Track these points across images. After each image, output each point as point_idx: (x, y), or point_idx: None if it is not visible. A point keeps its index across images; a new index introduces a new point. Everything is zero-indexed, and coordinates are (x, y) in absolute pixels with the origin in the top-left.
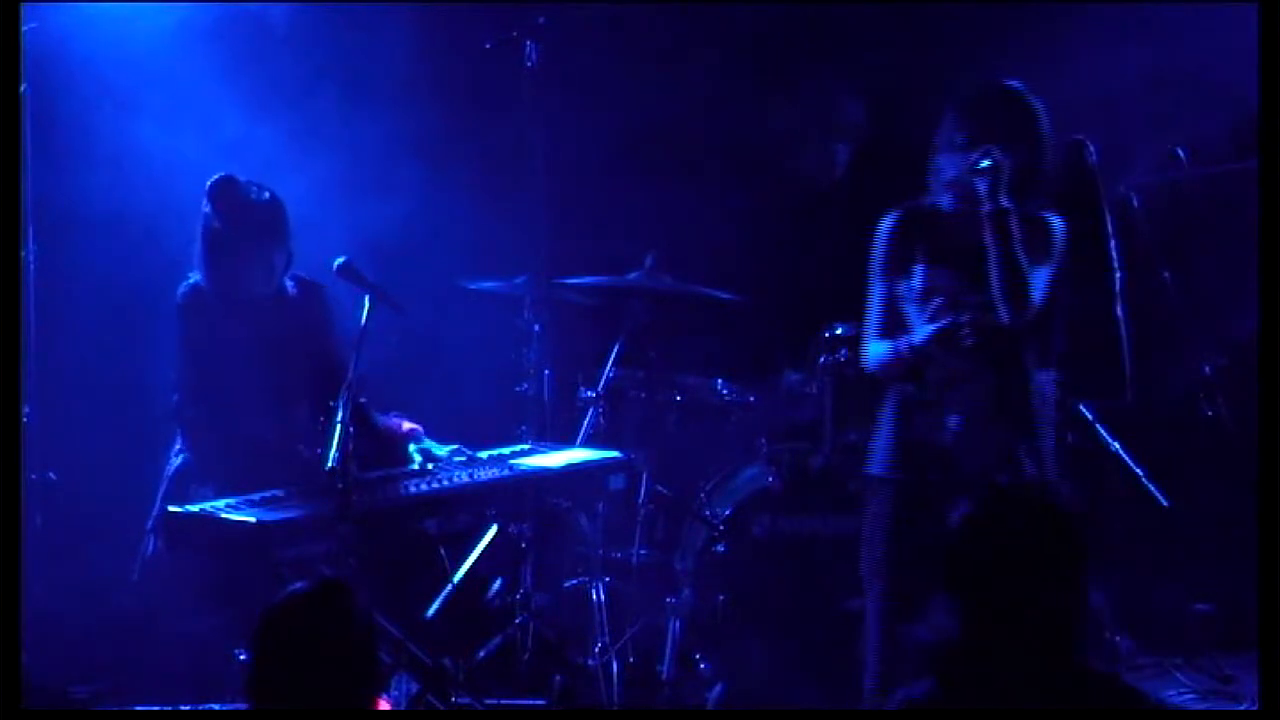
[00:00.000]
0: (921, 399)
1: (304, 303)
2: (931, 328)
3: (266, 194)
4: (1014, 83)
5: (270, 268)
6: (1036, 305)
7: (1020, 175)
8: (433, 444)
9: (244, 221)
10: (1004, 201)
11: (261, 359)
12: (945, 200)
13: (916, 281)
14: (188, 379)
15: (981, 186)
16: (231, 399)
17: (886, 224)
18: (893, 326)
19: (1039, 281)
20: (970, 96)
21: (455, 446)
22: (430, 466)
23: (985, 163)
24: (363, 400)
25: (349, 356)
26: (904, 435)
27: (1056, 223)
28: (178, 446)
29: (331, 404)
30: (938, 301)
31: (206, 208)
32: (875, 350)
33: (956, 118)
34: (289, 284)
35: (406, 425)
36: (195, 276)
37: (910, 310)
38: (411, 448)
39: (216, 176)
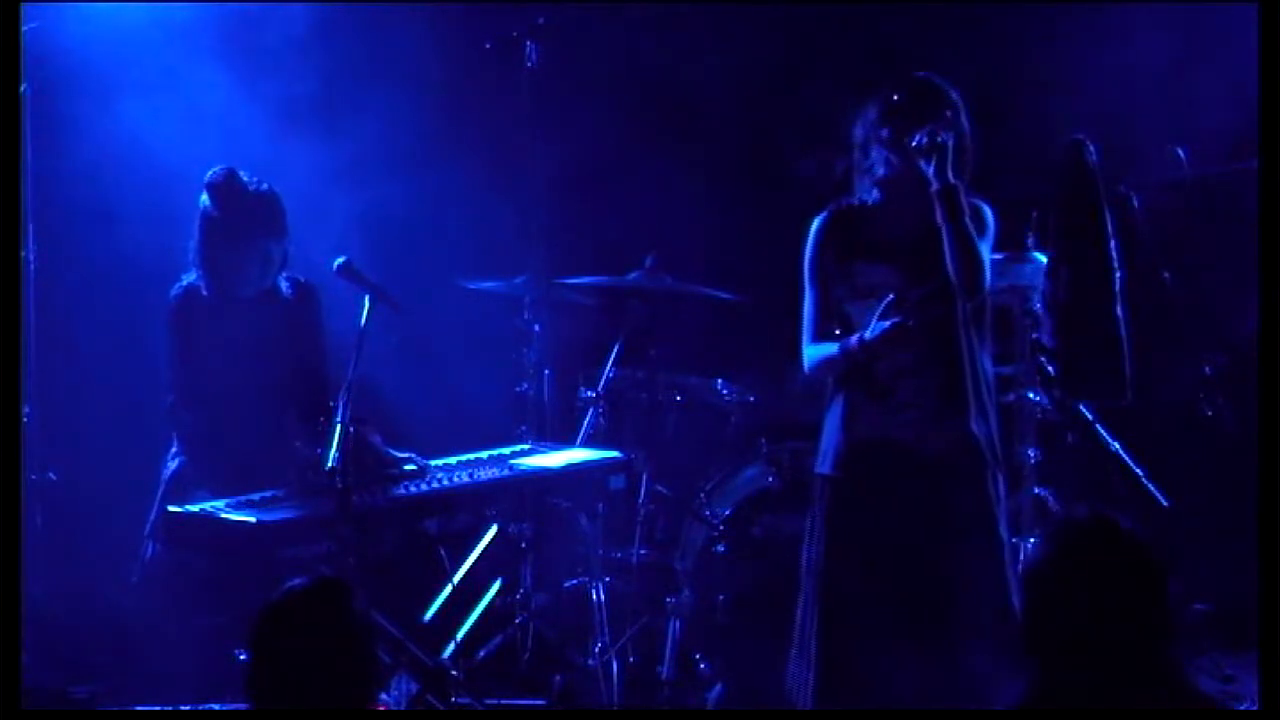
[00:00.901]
0: (872, 394)
1: (296, 302)
2: (884, 325)
3: (265, 186)
4: (933, 75)
5: (266, 261)
6: (986, 284)
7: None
8: (388, 450)
9: (242, 212)
10: (952, 178)
11: (255, 359)
12: (873, 196)
13: (857, 280)
14: (180, 381)
15: (928, 167)
16: (225, 400)
17: (817, 226)
18: (832, 328)
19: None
20: (893, 90)
21: (408, 454)
22: (410, 467)
23: (939, 138)
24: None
25: (339, 357)
26: (855, 433)
27: (987, 210)
28: (174, 449)
29: (331, 404)
30: (887, 298)
31: (205, 199)
32: (817, 352)
33: (880, 112)
34: (283, 283)
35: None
36: (188, 279)
37: (853, 310)
38: (366, 456)
39: (216, 169)
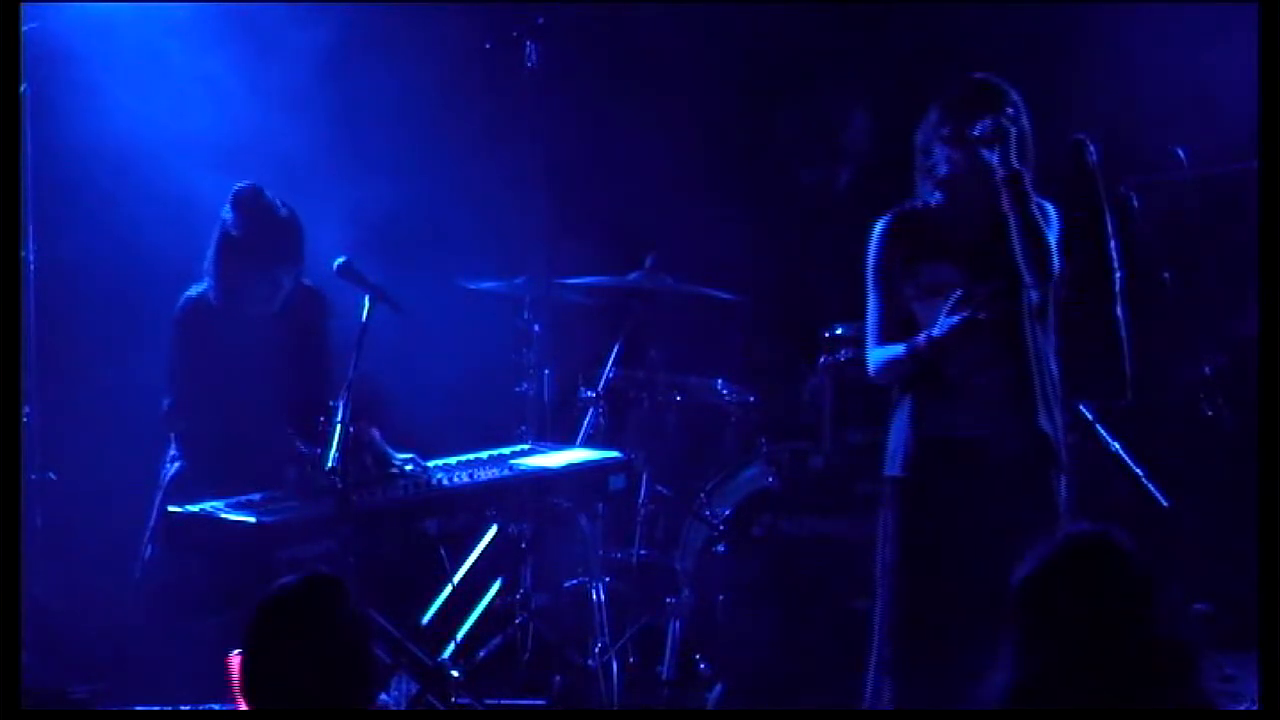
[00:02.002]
0: (939, 393)
1: (303, 312)
2: (952, 320)
3: (288, 211)
4: (992, 76)
5: (277, 286)
6: (1055, 271)
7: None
8: (389, 450)
9: (262, 236)
10: (1016, 164)
11: (261, 370)
12: (936, 198)
13: (923, 280)
14: (180, 389)
15: (992, 155)
16: (229, 408)
17: (880, 229)
18: (898, 329)
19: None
20: (953, 90)
21: (410, 455)
22: (409, 469)
23: (1003, 125)
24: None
25: (339, 357)
26: (924, 432)
27: (1050, 207)
28: (172, 453)
29: (331, 404)
30: (954, 295)
31: (227, 214)
32: (883, 355)
33: (942, 113)
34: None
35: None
36: (196, 289)
37: (919, 309)
38: (365, 454)
39: (243, 184)
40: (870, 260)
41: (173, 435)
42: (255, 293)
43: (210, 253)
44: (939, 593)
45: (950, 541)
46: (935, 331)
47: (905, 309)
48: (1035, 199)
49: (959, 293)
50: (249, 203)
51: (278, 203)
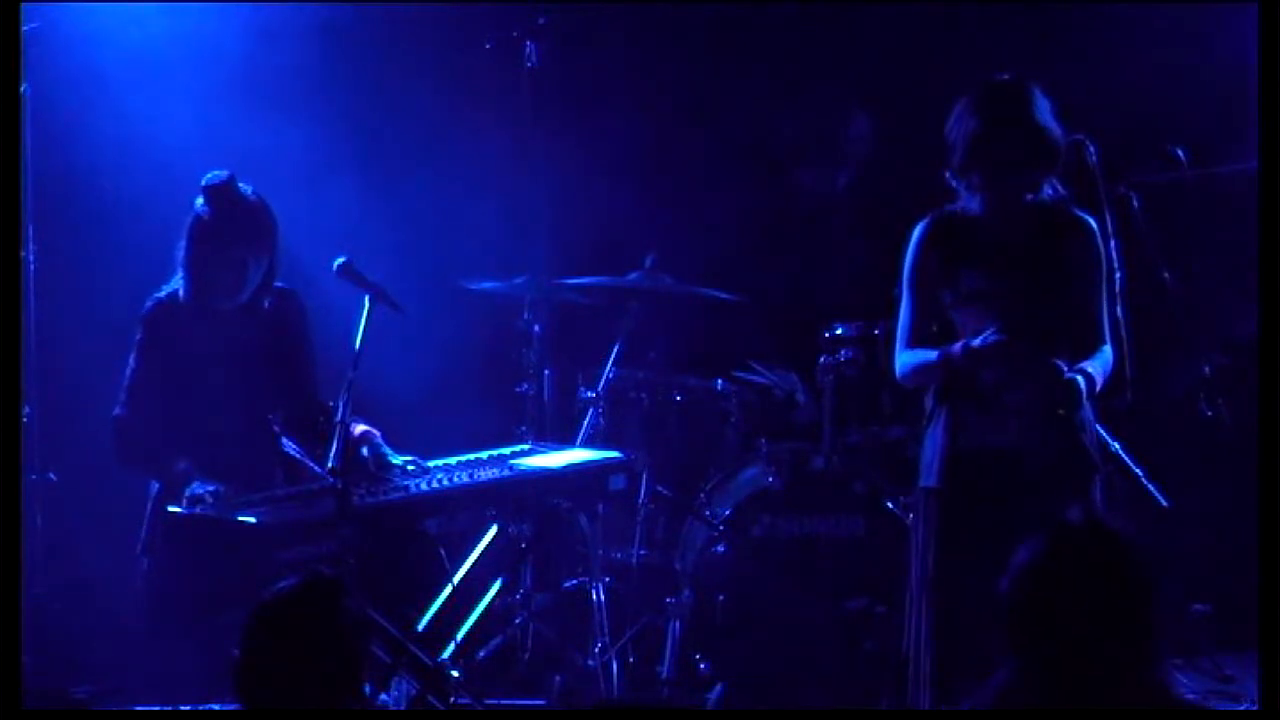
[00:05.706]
0: (976, 405)
1: (275, 313)
2: (993, 338)
3: (257, 198)
4: (1006, 76)
5: (242, 272)
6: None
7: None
8: (389, 451)
9: (228, 218)
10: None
11: (229, 370)
12: (975, 203)
13: (961, 286)
14: (137, 393)
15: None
16: (197, 410)
17: (919, 232)
18: (930, 335)
19: None
20: (969, 95)
21: (410, 457)
22: (410, 468)
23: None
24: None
25: (338, 356)
26: (960, 444)
27: (1091, 223)
28: None
29: (331, 404)
30: (987, 303)
31: (199, 201)
32: (914, 359)
33: (957, 114)
34: (264, 297)
35: (359, 429)
36: (166, 289)
37: (956, 316)
38: (363, 450)
39: (215, 172)
40: (907, 263)
41: (113, 446)
42: (222, 282)
43: (182, 243)
44: (975, 606)
45: (985, 554)
46: (975, 342)
47: (939, 314)
48: (1075, 212)
49: (987, 302)
50: (219, 188)
51: (249, 190)
